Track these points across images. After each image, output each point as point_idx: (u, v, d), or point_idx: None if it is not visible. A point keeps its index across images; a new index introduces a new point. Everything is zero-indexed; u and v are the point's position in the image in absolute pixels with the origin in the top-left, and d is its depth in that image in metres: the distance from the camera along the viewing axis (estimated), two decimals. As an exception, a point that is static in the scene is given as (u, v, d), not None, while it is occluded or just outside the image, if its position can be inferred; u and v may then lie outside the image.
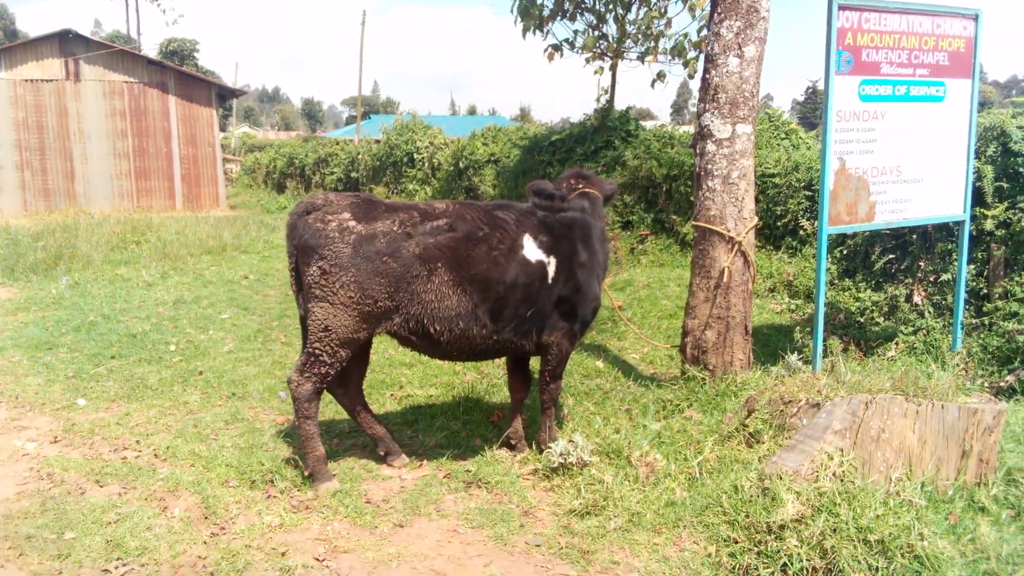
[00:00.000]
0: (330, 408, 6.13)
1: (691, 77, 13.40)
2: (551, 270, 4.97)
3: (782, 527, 3.76)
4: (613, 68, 14.25)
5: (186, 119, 24.13)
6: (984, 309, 6.78)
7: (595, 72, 14.15)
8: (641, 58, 13.81)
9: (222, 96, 26.81)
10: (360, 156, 23.01)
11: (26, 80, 22.18)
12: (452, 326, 4.79)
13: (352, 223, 4.67)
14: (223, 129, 40.37)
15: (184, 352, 7.86)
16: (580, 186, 5.41)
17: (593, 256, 5.18)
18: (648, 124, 15.20)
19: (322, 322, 4.68)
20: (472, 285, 4.77)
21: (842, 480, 3.96)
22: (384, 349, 7.87)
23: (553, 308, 5.06)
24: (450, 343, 4.87)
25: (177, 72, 24.66)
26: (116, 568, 3.93)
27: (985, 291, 6.90)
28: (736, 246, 5.98)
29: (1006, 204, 6.82)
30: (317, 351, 4.72)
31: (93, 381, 6.94)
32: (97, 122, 23.03)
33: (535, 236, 4.99)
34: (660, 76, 13.65)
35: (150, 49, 49.81)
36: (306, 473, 4.87)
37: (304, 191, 26.40)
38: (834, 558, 3.64)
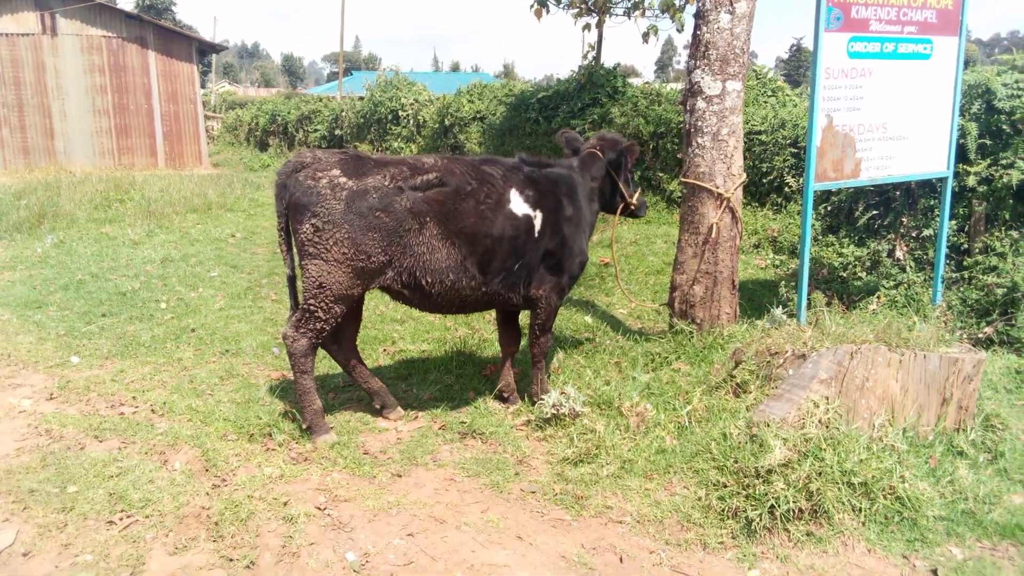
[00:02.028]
0: (324, 363, 6.21)
1: (680, 31, 13.31)
2: (537, 223, 5.07)
3: (769, 471, 3.90)
4: (600, 24, 14.15)
5: (166, 75, 23.73)
6: (964, 264, 6.92)
7: (583, 28, 14.06)
8: (628, 13, 13.71)
9: (202, 51, 26.34)
10: (344, 113, 22.79)
11: (1, 34, 21.68)
12: (443, 278, 4.87)
13: (343, 179, 4.70)
14: (202, 86, 39.71)
15: (175, 310, 7.89)
16: (595, 148, 5.65)
17: (578, 211, 5.29)
18: (634, 82, 15.13)
19: (316, 279, 4.73)
20: (461, 238, 4.85)
21: (827, 427, 4.11)
22: (375, 306, 7.94)
23: (540, 262, 5.16)
24: (441, 295, 4.96)
25: (156, 27, 24.16)
26: (120, 520, 4.00)
27: (966, 246, 7.04)
28: (724, 202, 6.05)
29: (988, 161, 6.93)
30: (312, 307, 4.77)
31: (85, 339, 6.97)
32: (75, 78, 22.61)
33: (521, 191, 5.07)
34: (653, 30, 13.56)
35: (126, 3, 48.68)
36: (304, 426, 4.96)
37: (288, 149, 26.16)
38: (819, 500, 3.80)
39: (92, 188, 15.05)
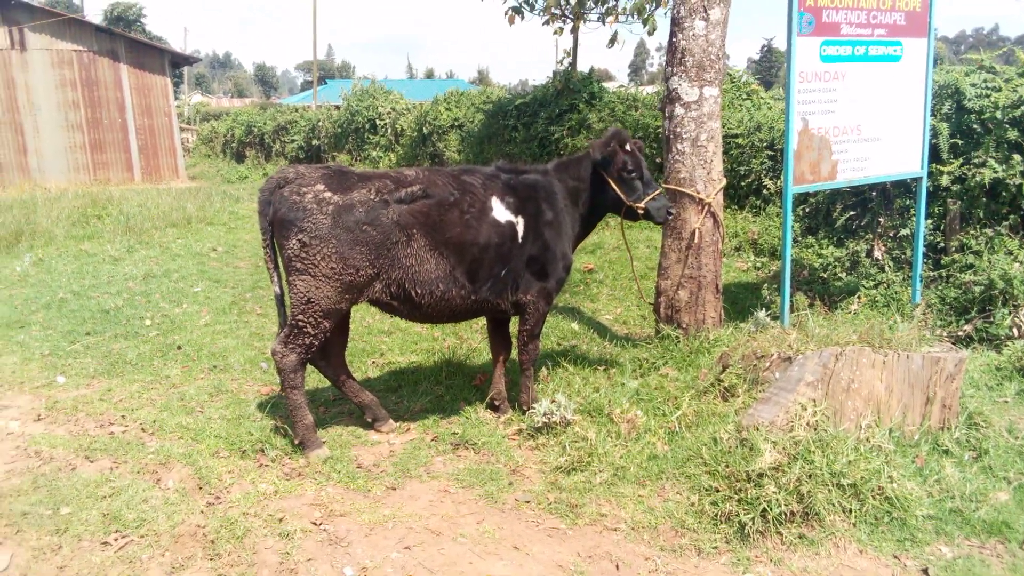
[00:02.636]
0: (312, 377, 6.19)
1: (651, 34, 13.41)
2: (520, 229, 5.14)
3: (760, 475, 3.97)
4: (575, 30, 14.24)
5: (139, 88, 23.56)
6: (942, 262, 7.05)
7: (554, 33, 14.13)
8: (602, 19, 13.80)
9: (175, 63, 26.19)
10: (321, 123, 22.74)
11: (-31, 52, 21.45)
12: (433, 288, 4.92)
13: (328, 194, 4.72)
14: (175, 97, 39.47)
15: (160, 326, 7.85)
16: (589, 149, 5.52)
17: (558, 215, 5.33)
18: (608, 86, 15.23)
19: (304, 295, 4.74)
20: (449, 247, 4.90)
21: (815, 429, 4.18)
22: (362, 317, 7.94)
23: (525, 267, 5.22)
24: (431, 305, 5.00)
25: (127, 39, 23.98)
26: (116, 540, 4.00)
27: (942, 245, 7.16)
28: (706, 207, 6.13)
29: (961, 160, 7.06)
30: (301, 323, 4.78)
31: (70, 358, 6.92)
32: (47, 93, 22.38)
33: (502, 198, 5.14)
34: (614, 38, 13.68)
35: (94, 15, 48.23)
36: (296, 441, 4.97)
37: (265, 160, 26.04)
38: (810, 502, 3.87)
39: (69, 204, 14.91)
